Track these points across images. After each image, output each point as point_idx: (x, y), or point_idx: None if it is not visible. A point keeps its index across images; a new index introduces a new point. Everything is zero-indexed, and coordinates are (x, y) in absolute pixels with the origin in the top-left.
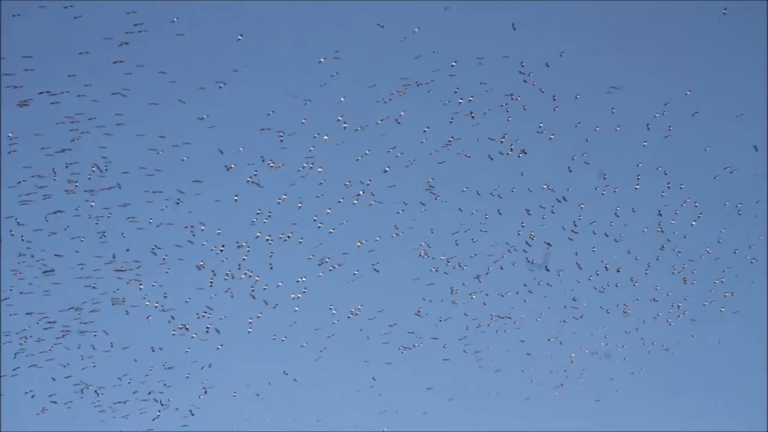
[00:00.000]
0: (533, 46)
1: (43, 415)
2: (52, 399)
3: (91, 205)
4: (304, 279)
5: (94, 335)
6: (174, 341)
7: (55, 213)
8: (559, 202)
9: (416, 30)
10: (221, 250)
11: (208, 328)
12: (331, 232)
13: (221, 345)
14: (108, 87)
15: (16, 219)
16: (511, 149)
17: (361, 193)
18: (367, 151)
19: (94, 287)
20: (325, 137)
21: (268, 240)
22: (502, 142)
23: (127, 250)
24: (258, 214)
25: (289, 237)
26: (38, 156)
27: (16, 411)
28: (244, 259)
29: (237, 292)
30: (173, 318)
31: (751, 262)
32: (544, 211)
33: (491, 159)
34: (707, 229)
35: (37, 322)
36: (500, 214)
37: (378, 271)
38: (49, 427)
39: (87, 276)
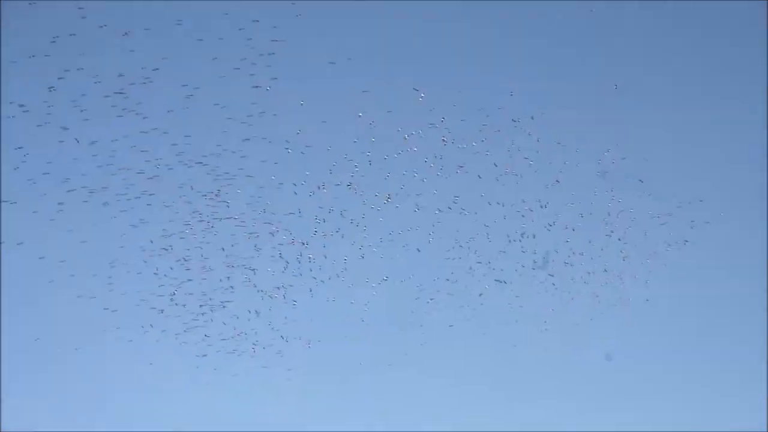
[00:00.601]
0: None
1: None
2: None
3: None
4: (346, 259)
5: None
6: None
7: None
8: (542, 208)
9: (422, 96)
10: (292, 243)
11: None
12: (364, 229)
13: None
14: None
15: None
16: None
17: (386, 200)
18: (388, 174)
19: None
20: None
21: (324, 236)
22: (506, 170)
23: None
24: (316, 219)
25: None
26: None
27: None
28: (305, 246)
29: (305, 273)
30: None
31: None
32: (533, 215)
33: (497, 180)
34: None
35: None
36: (505, 219)
37: (419, 251)
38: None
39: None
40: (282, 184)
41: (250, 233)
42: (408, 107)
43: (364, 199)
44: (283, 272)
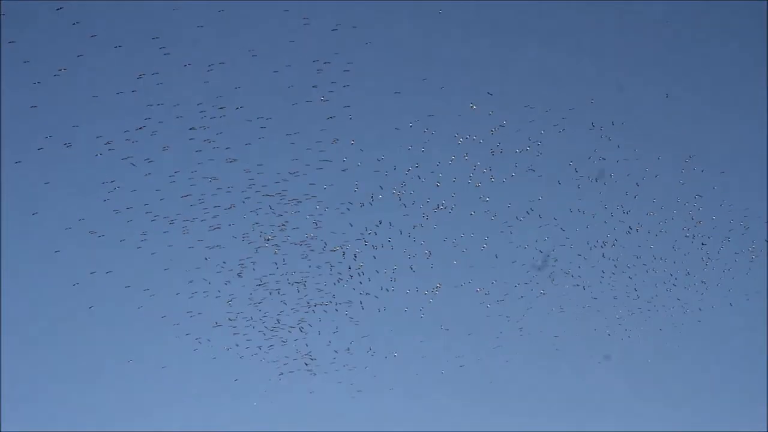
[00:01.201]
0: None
1: None
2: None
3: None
4: (395, 267)
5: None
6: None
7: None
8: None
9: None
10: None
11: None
12: (417, 241)
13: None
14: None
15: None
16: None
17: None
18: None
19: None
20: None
21: (373, 247)
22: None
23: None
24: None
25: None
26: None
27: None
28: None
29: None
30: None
31: None
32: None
33: (579, 187)
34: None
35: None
36: (587, 228)
37: (497, 257)
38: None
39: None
40: (343, 204)
41: (311, 251)
42: (476, 113)
43: (417, 207)
44: (349, 288)
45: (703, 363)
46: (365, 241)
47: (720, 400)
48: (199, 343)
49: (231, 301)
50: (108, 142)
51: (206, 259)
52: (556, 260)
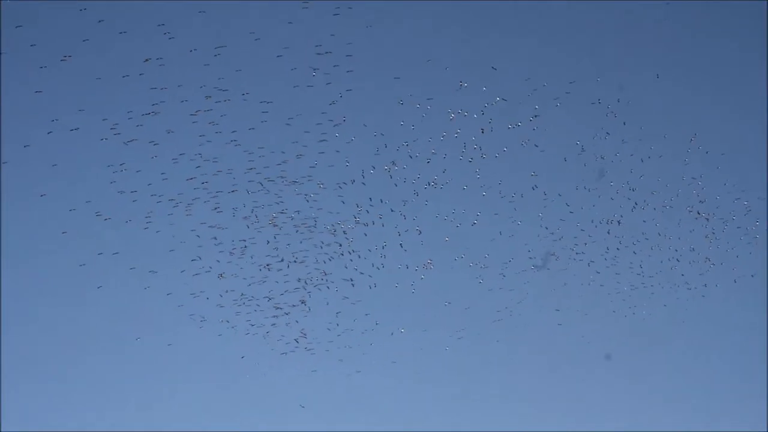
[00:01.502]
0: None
1: None
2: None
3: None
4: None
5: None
6: None
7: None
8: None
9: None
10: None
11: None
12: (404, 217)
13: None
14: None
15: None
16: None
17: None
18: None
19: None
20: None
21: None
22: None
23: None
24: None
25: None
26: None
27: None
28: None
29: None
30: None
31: None
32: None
33: (584, 165)
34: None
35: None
36: (594, 206)
37: (501, 233)
38: None
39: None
40: (338, 184)
41: (310, 230)
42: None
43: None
44: (341, 266)
45: (707, 341)
46: (356, 218)
47: (722, 378)
48: (203, 321)
49: (233, 280)
50: (114, 126)
51: (198, 236)
52: (561, 237)
